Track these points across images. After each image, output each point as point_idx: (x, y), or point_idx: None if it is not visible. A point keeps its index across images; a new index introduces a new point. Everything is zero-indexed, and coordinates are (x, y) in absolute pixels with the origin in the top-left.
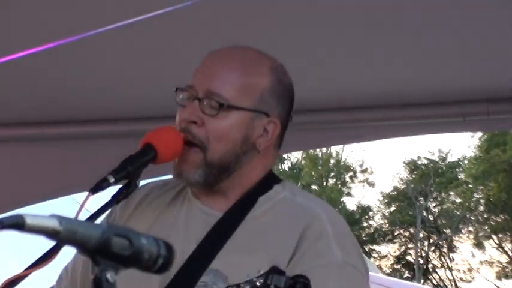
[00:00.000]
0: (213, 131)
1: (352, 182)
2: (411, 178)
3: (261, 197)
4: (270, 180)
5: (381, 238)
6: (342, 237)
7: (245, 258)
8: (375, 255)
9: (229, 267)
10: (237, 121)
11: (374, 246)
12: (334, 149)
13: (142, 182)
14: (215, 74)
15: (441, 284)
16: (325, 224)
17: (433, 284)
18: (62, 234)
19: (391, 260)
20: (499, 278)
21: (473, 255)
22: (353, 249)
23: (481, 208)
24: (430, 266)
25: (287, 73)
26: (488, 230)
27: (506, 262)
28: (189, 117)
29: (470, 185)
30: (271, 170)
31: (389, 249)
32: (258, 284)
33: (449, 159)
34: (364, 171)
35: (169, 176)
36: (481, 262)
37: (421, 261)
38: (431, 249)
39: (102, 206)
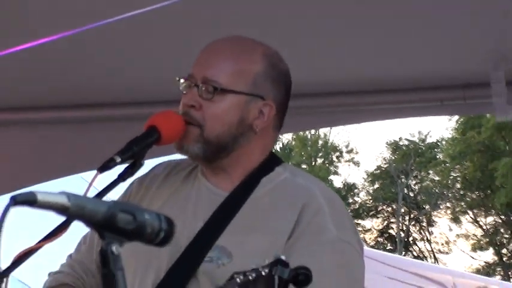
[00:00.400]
0: (209, 113)
1: (339, 161)
2: (393, 158)
3: (264, 178)
4: (271, 161)
5: (365, 213)
6: (337, 215)
7: (248, 236)
8: (360, 229)
9: (233, 244)
10: (232, 104)
11: (359, 221)
12: (322, 131)
13: (147, 162)
14: (211, 63)
15: (421, 255)
16: (322, 203)
17: (413, 255)
18: (70, 210)
19: (375, 234)
20: (474, 250)
21: (450, 229)
22: (348, 227)
23: (458, 186)
24: (410, 239)
25: (282, 59)
26: (464, 206)
27: (481, 235)
28: (188, 102)
29: (447, 165)
30: (272, 152)
31: (373, 224)
32: (263, 273)
33: (429, 140)
34: (349, 151)
35: (176, 156)
36: (458, 235)
37: (402, 235)
38: (412, 224)
39: (109, 184)
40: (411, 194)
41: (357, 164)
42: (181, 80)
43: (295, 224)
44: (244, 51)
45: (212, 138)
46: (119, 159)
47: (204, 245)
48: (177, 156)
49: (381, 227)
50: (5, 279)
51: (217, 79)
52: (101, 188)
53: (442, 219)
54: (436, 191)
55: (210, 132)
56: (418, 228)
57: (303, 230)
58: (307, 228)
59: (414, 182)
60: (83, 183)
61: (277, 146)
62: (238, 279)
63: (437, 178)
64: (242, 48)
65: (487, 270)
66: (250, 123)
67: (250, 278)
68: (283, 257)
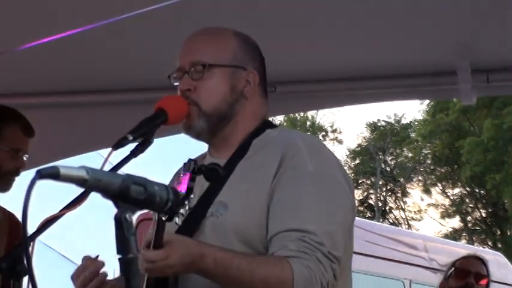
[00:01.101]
0: (203, 90)
1: (324, 140)
2: (372, 137)
3: (255, 139)
4: (264, 126)
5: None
6: (314, 152)
7: (239, 188)
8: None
9: (228, 197)
10: (220, 77)
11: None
12: (309, 114)
13: (156, 140)
14: (192, 49)
15: (396, 222)
16: (301, 146)
17: (389, 222)
18: (89, 182)
19: (356, 203)
20: (442, 217)
21: (422, 199)
22: (326, 161)
23: (428, 161)
24: (387, 208)
25: (250, 37)
26: (434, 179)
27: (449, 205)
28: (183, 87)
29: (419, 143)
30: (266, 119)
31: (356, 194)
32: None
33: (403, 121)
34: (334, 131)
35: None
36: (428, 205)
37: (380, 204)
38: (388, 194)
39: (122, 159)
40: (388, 169)
41: (340, 142)
42: (173, 75)
43: (277, 168)
44: (218, 34)
45: (210, 110)
46: (131, 138)
47: (207, 203)
48: (182, 136)
49: (361, 197)
50: (32, 243)
51: (202, 58)
52: (115, 163)
53: (414, 190)
54: (410, 166)
55: (207, 106)
56: (393, 198)
57: (284, 170)
58: (287, 168)
59: (390, 158)
60: (100, 159)
61: None
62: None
63: (410, 155)
64: (215, 33)
65: (454, 236)
66: (241, 91)
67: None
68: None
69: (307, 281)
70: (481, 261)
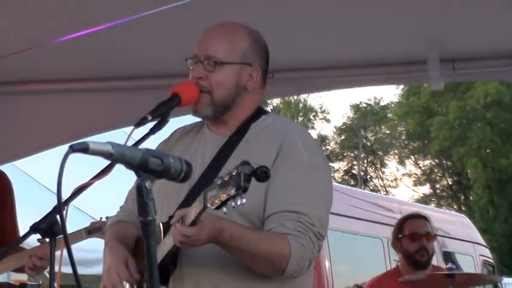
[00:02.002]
0: (213, 82)
1: (315, 119)
2: (355, 116)
3: (252, 124)
4: (259, 112)
5: (334, 158)
6: (307, 145)
7: None
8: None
9: None
10: (229, 72)
11: (329, 164)
12: (302, 97)
13: (171, 120)
14: (209, 44)
15: (375, 189)
16: (296, 137)
17: (370, 189)
18: (114, 156)
19: (341, 173)
20: (415, 185)
21: (397, 170)
22: (316, 153)
23: (403, 137)
24: (368, 177)
25: (261, 36)
26: (408, 152)
27: (420, 174)
28: (196, 74)
29: (395, 121)
30: (260, 106)
31: (340, 166)
32: (233, 173)
33: (381, 103)
34: (322, 111)
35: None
36: (403, 174)
37: (362, 174)
38: (369, 166)
39: (143, 136)
40: (368, 143)
41: (328, 121)
42: (189, 60)
43: (275, 156)
44: (233, 32)
45: (219, 102)
46: (150, 117)
47: (210, 176)
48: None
49: (346, 168)
50: (65, 207)
51: (216, 55)
52: (137, 139)
53: (391, 162)
54: (387, 141)
55: (218, 98)
56: (373, 169)
57: (282, 159)
58: (285, 157)
59: (370, 134)
60: (124, 136)
61: (268, 108)
62: (218, 182)
63: (387, 131)
64: (231, 31)
65: (425, 200)
66: (244, 85)
67: (225, 179)
68: (246, 160)
69: (300, 257)
70: (426, 219)
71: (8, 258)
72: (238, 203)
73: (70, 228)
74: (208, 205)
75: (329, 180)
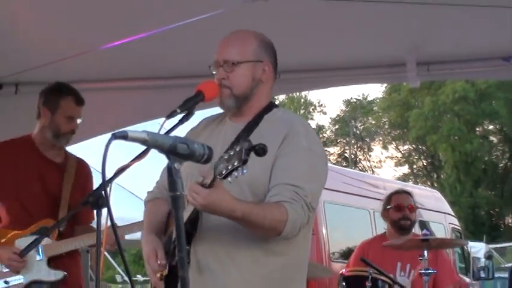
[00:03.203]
0: (233, 79)
1: (314, 112)
2: (347, 109)
3: (265, 115)
4: (271, 106)
5: (330, 143)
6: (308, 135)
7: None
8: (327, 153)
9: None
10: (245, 70)
11: (326, 148)
12: (303, 93)
13: (196, 112)
14: (225, 50)
15: (363, 169)
16: (299, 128)
17: (359, 169)
18: (148, 142)
19: (336, 156)
20: (396, 166)
21: (382, 153)
22: (314, 141)
23: (386, 126)
24: (357, 159)
25: (266, 37)
26: (390, 139)
27: (400, 157)
28: (220, 76)
29: (380, 114)
30: (272, 101)
31: (335, 150)
32: (237, 149)
33: (368, 98)
34: (320, 105)
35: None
36: (386, 157)
37: (352, 157)
38: (358, 150)
39: (173, 126)
40: (358, 132)
41: (324, 113)
42: (212, 66)
43: (281, 141)
44: (243, 37)
45: (239, 94)
46: (179, 110)
47: None
48: (214, 109)
49: (339, 152)
50: (109, 184)
51: (232, 58)
52: (168, 128)
53: (376, 147)
54: (373, 129)
55: (237, 91)
56: (362, 153)
57: (286, 144)
58: (288, 143)
59: (359, 124)
60: (157, 126)
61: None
62: (225, 156)
63: (373, 122)
64: (241, 36)
65: (404, 178)
66: (260, 78)
67: (231, 154)
68: (248, 138)
69: (294, 220)
70: (409, 194)
71: (82, 236)
72: (240, 173)
73: (112, 202)
74: (217, 175)
75: (323, 164)
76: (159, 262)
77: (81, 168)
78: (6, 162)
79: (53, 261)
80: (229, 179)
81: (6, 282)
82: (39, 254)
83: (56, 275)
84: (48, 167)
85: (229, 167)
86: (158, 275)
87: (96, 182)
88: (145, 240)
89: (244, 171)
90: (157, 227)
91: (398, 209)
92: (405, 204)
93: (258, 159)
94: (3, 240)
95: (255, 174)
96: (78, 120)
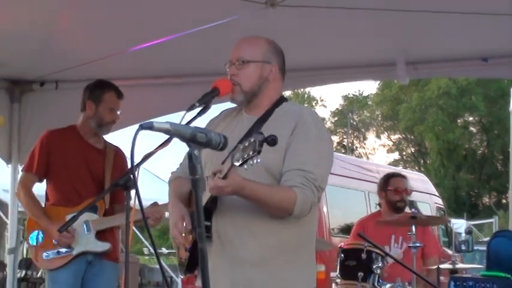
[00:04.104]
0: (243, 76)
1: (316, 106)
2: (345, 103)
3: (276, 109)
4: (281, 100)
5: (330, 133)
6: (316, 123)
7: None
8: None
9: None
10: (254, 68)
11: None
12: (307, 89)
13: (213, 106)
14: (238, 50)
15: (359, 156)
16: (308, 117)
17: (355, 155)
18: (171, 131)
19: (335, 144)
20: (387, 152)
21: (375, 142)
22: (322, 129)
23: (379, 118)
24: (354, 147)
25: (276, 43)
26: (383, 129)
27: (391, 145)
28: (231, 72)
29: (374, 107)
30: (282, 96)
31: (334, 139)
32: (251, 140)
33: (364, 94)
34: (322, 100)
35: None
36: (379, 145)
37: (350, 145)
38: (355, 139)
39: (192, 118)
40: (354, 123)
41: (325, 106)
42: (227, 64)
43: (292, 130)
44: (255, 40)
45: (247, 89)
46: (197, 104)
47: None
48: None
49: (338, 140)
50: (137, 169)
51: (243, 56)
52: (188, 120)
53: (370, 136)
54: (368, 121)
55: (245, 87)
56: (358, 141)
57: (296, 133)
58: (299, 131)
59: (356, 116)
60: (179, 117)
61: None
62: (240, 147)
63: (368, 114)
64: (254, 39)
65: (394, 164)
66: (266, 77)
67: (246, 144)
68: (260, 131)
69: (303, 202)
70: (405, 178)
71: (117, 214)
72: (255, 161)
73: (140, 184)
74: (234, 163)
75: (331, 149)
76: (185, 225)
77: (119, 154)
78: (57, 148)
79: (100, 235)
80: (245, 166)
81: (58, 252)
82: (88, 229)
83: (103, 246)
84: (92, 153)
85: (245, 156)
86: (183, 246)
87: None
88: (174, 207)
89: (259, 160)
90: (182, 199)
91: (397, 192)
92: (403, 187)
93: (273, 148)
94: (55, 218)
95: (271, 160)
96: (118, 112)
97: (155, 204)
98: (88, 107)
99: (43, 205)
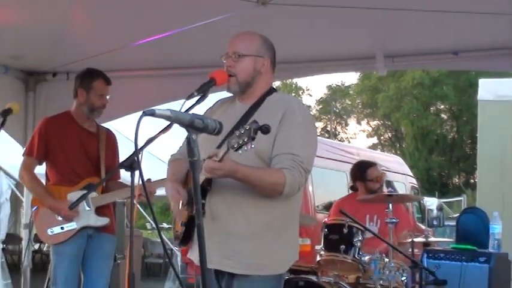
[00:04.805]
0: (238, 68)
1: (302, 95)
2: (329, 93)
3: (266, 98)
4: (271, 90)
5: (315, 120)
6: (302, 112)
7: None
8: None
9: None
10: (248, 61)
11: None
12: (294, 80)
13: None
14: (234, 44)
15: (341, 140)
16: (295, 107)
17: (338, 140)
18: (172, 118)
19: (319, 130)
20: (367, 137)
21: (356, 127)
22: (308, 117)
23: (360, 106)
24: (337, 132)
25: (268, 39)
26: (363, 116)
27: (371, 130)
28: (227, 64)
29: (355, 96)
30: (272, 86)
31: (319, 125)
32: (247, 128)
33: (346, 84)
34: (308, 89)
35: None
36: (360, 130)
37: (333, 130)
38: (337, 125)
39: (191, 106)
40: (337, 110)
41: (311, 95)
42: (223, 57)
43: (281, 118)
44: (250, 36)
45: (242, 81)
46: (196, 93)
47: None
48: (223, 93)
49: (322, 126)
50: (141, 152)
51: (239, 50)
52: (187, 107)
53: (352, 122)
54: (349, 108)
55: (241, 78)
56: (340, 127)
57: (284, 121)
58: (287, 119)
59: (339, 104)
60: (179, 105)
61: None
62: (237, 133)
63: (349, 102)
64: (249, 35)
65: (373, 147)
66: (259, 70)
67: (241, 131)
68: (255, 120)
69: (292, 183)
70: (377, 164)
71: (120, 190)
72: (249, 147)
73: (143, 166)
74: (230, 148)
75: (315, 135)
76: (182, 200)
77: (110, 136)
78: (55, 133)
79: (98, 210)
80: (239, 151)
81: (62, 228)
82: (88, 205)
83: (102, 221)
84: (87, 136)
85: (240, 142)
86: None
87: (130, 150)
88: (172, 183)
89: (252, 145)
90: (179, 177)
91: (377, 181)
92: (380, 175)
93: (260, 135)
94: (57, 196)
95: (262, 145)
96: (107, 97)
97: (148, 180)
98: (80, 94)
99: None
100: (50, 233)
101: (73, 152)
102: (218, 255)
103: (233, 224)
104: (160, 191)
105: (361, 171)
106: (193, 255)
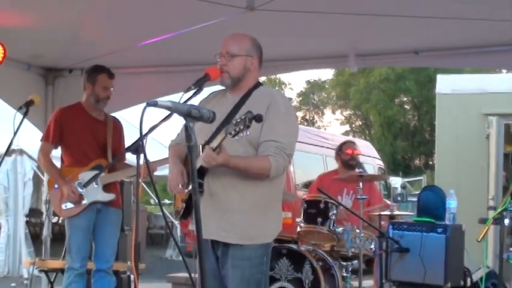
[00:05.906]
0: (230, 66)
1: (285, 88)
2: (308, 87)
3: (254, 91)
4: (258, 84)
5: (295, 110)
6: (285, 103)
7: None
8: None
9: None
10: (239, 60)
11: None
12: (278, 76)
13: (205, 89)
14: (227, 44)
15: (319, 127)
16: (278, 99)
17: (315, 127)
18: (172, 108)
19: (299, 119)
20: (341, 125)
21: (331, 116)
22: (290, 108)
23: (334, 98)
24: (314, 120)
25: (257, 40)
26: (337, 107)
27: (344, 119)
28: (221, 63)
29: (330, 89)
30: (259, 81)
31: (299, 114)
32: (242, 117)
33: (322, 79)
34: (289, 84)
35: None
36: (334, 119)
37: (311, 119)
38: (315, 114)
39: (188, 98)
40: (315, 102)
41: (292, 89)
42: (217, 56)
43: (266, 109)
44: (241, 38)
45: (234, 76)
46: (192, 87)
47: (228, 120)
48: (216, 86)
49: (302, 116)
50: (145, 137)
51: (231, 51)
52: (185, 99)
53: (327, 112)
54: (325, 100)
55: (233, 74)
56: (318, 116)
57: (270, 110)
58: (271, 110)
59: (316, 97)
60: (178, 97)
61: None
62: (233, 122)
63: (325, 95)
64: (240, 37)
65: (346, 134)
66: (249, 67)
67: (238, 120)
68: (250, 110)
69: (276, 167)
70: (354, 143)
71: (126, 170)
72: (244, 134)
73: (147, 149)
74: (227, 135)
75: (296, 124)
76: (184, 180)
77: (116, 124)
78: (68, 121)
79: (105, 187)
80: (236, 137)
81: (75, 203)
82: (96, 183)
83: (109, 196)
84: (96, 124)
85: (237, 129)
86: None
87: (136, 136)
88: (175, 165)
89: (248, 133)
90: (180, 159)
91: (348, 153)
92: (352, 148)
93: (253, 123)
94: (70, 176)
95: (252, 134)
96: (111, 89)
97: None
98: (87, 87)
99: (59, 167)
100: (64, 208)
101: (84, 138)
102: (215, 228)
103: (228, 201)
104: (162, 171)
105: (339, 147)
106: (193, 227)
